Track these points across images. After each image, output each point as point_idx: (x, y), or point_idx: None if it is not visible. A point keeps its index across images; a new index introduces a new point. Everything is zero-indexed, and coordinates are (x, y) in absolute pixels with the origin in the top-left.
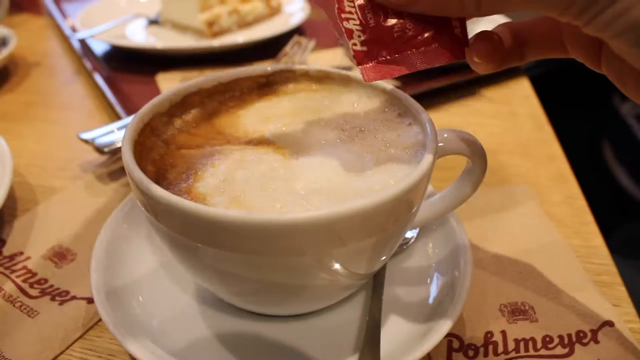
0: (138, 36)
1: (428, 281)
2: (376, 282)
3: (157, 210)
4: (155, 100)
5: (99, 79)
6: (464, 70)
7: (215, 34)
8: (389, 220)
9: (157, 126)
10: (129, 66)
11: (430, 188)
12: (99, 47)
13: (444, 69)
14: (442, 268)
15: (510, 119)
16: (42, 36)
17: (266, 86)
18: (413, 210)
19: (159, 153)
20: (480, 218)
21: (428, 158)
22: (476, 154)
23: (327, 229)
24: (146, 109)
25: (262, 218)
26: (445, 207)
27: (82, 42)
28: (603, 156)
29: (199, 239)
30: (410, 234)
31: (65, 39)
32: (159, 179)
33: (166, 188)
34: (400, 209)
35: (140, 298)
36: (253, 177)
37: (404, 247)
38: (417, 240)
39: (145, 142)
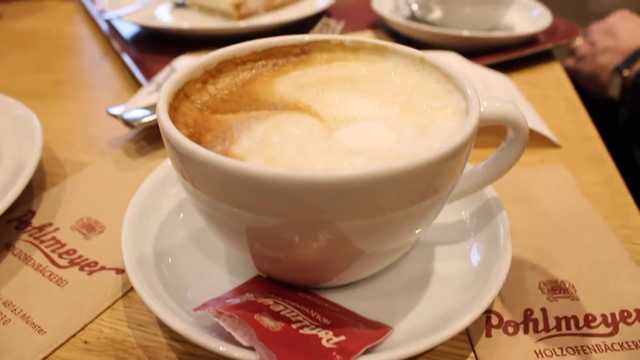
0: (165, 19)
1: (466, 255)
2: None
3: (193, 173)
4: (189, 66)
5: (127, 58)
6: (494, 53)
7: (243, 17)
8: (431, 184)
9: (190, 92)
10: (155, 48)
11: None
12: (127, 29)
13: (471, 52)
14: (480, 242)
15: (543, 101)
16: (70, 20)
17: (301, 55)
18: (456, 176)
19: (193, 118)
20: (517, 198)
21: (471, 122)
22: (516, 123)
23: (371, 190)
24: (180, 74)
25: (305, 174)
26: (486, 178)
27: (110, 23)
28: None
29: (237, 203)
30: None
31: (93, 22)
32: (193, 138)
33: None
34: (444, 172)
35: (172, 269)
36: (290, 139)
37: None
38: (456, 213)
39: (179, 107)
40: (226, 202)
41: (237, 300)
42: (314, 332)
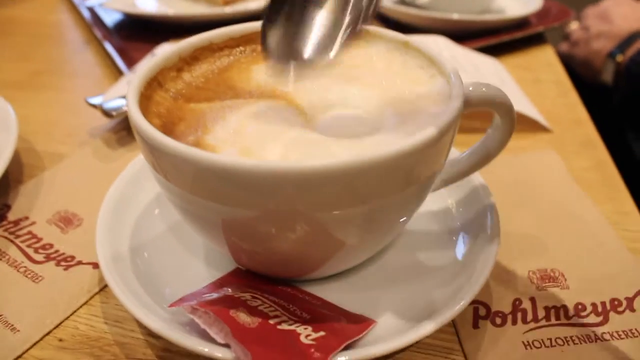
0: (148, 5)
1: (452, 244)
2: None
3: (165, 166)
4: (163, 53)
5: (109, 47)
6: (483, 36)
7: (228, 2)
8: (413, 172)
9: (164, 80)
10: (139, 35)
11: (453, 150)
12: (109, 17)
13: (461, 36)
14: (467, 231)
15: (534, 85)
16: (52, 7)
17: None
18: (439, 163)
19: (166, 107)
20: (506, 185)
21: (454, 107)
22: (503, 107)
23: (350, 179)
24: (154, 62)
25: (278, 165)
26: (472, 165)
27: (92, 11)
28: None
29: (210, 196)
30: None
31: (75, 10)
32: (165, 133)
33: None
34: (426, 160)
35: (149, 263)
36: (266, 129)
37: None
38: (441, 201)
39: (152, 96)
40: (199, 195)
41: (213, 296)
42: (293, 327)
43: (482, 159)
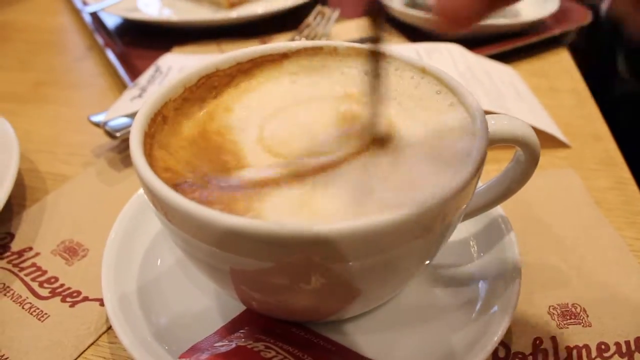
0: (152, 8)
1: (471, 282)
2: None
3: (172, 218)
4: (167, 84)
5: (111, 55)
6: (498, 41)
7: (233, 5)
8: (437, 221)
9: (169, 114)
10: (142, 40)
11: None
12: (112, 21)
13: (474, 41)
14: (486, 267)
15: (550, 94)
16: (53, 11)
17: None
18: (464, 206)
19: (175, 146)
20: (523, 208)
21: (479, 154)
22: (528, 143)
23: (374, 238)
24: (157, 95)
25: (295, 229)
26: (492, 199)
27: (94, 15)
28: None
29: (217, 244)
30: None
31: (77, 14)
32: (173, 178)
33: (184, 189)
34: (452, 208)
35: (157, 302)
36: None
37: None
38: (459, 234)
39: (156, 134)
40: (205, 241)
41: (224, 347)
42: None
43: (502, 194)
